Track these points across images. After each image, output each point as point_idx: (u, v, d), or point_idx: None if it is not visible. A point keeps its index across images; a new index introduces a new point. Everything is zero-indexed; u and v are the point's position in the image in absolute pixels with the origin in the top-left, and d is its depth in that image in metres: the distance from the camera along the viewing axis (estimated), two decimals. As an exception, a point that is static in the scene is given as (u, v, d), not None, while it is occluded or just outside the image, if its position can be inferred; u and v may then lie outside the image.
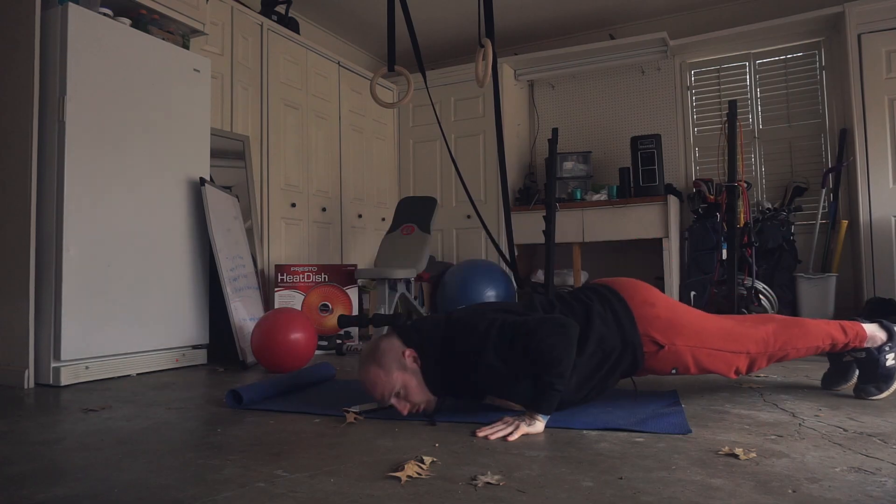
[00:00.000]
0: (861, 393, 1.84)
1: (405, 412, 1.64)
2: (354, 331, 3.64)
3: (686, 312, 1.79)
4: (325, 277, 3.61)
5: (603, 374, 1.69)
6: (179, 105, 2.89)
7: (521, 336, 1.56)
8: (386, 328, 3.03)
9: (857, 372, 1.91)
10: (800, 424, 1.55)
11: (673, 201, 4.44)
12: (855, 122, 4.02)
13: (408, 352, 1.64)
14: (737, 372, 1.77)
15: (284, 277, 3.58)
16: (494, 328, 1.60)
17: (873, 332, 1.84)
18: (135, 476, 1.22)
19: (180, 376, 2.56)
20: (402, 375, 1.63)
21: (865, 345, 1.83)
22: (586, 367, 1.65)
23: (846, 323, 1.84)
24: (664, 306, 1.76)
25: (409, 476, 1.17)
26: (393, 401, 1.64)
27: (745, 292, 3.36)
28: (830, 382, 1.99)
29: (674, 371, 1.75)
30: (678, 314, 1.76)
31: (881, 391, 1.82)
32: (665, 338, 1.70)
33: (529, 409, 1.53)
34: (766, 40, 4.63)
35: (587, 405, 1.77)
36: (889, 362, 1.81)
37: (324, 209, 4.38)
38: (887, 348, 1.82)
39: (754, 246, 3.38)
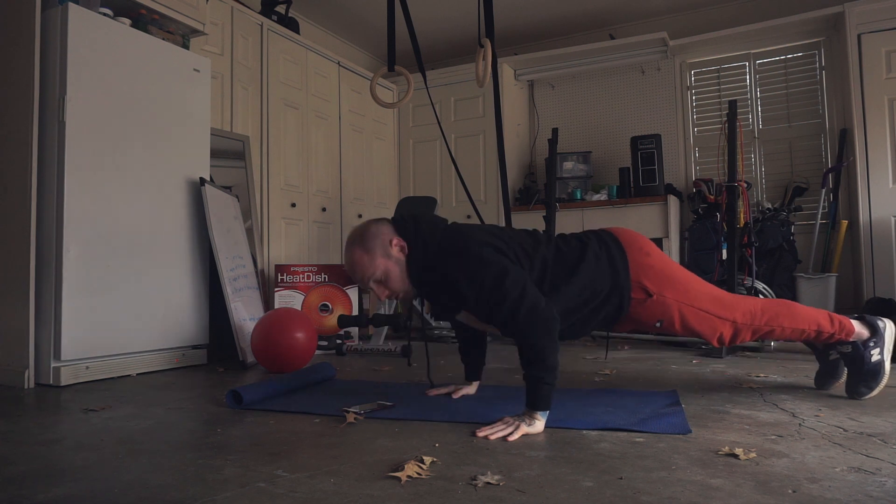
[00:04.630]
0: (853, 394, 1.83)
1: (383, 297, 1.68)
2: (354, 331, 3.64)
3: (680, 270, 1.82)
4: (325, 277, 3.61)
5: (588, 311, 1.72)
6: (179, 105, 2.89)
7: (507, 313, 1.55)
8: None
9: (846, 369, 1.90)
10: (800, 424, 1.55)
11: (673, 201, 4.44)
12: (855, 122, 4.02)
13: (395, 240, 1.66)
14: (720, 340, 1.78)
15: (284, 277, 3.58)
16: (489, 279, 1.58)
17: (859, 328, 1.84)
18: (135, 476, 1.22)
19: (180, 376, 2.56)
20: (386, 262, 1.65)
21: (852, 339, 1.83)
22: (574, 300, 1.68)
23: (835, 314, 1.85)
24: (659, 258, 1.80)
25: (409, 476, 1.17)
26: (372, 285, 1.67)
27: (744, 292, 3.36)
28: (822, 382, 1.99)
29: (658, 324, 1.76)
30: (672, 268, 1.79)
31: (871, 389, 1.82)
32: (655, 286, 1.73)
33: (527, 408, 1.53)
34: (766, 40, 4.63)
35: (587, 405, 1.78)
36: (874, 358, 1.81)
37: (324, 209, 4.39)
38: (871, 344, 1.82)
39: (754, 246, 3.37)
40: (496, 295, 1.57)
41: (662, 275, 1.75)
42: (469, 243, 1.65)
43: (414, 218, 1.73)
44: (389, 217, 1.72)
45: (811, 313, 1.82)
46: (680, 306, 1.73)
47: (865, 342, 1.82)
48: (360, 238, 1.68)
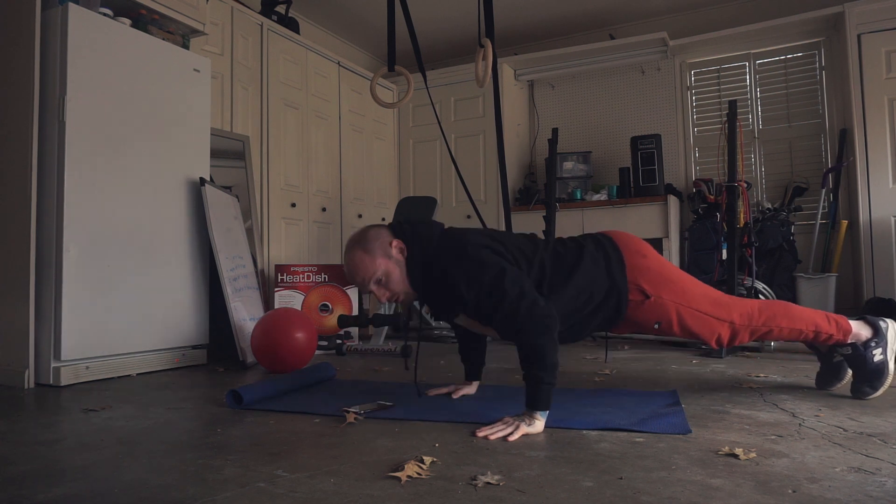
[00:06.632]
0: (857, 394, 1.83)
1: (383, 299, 1.69)
2: (354, 331, 3.64)
3: (677, 271, 1.82)
4: (325, 277, 3.61)
5: (587, 313, 1.73)
6: (179, 105, 2.89)
7: (506, 313, 1.56)
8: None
9: (849, 371, 1.91)
10: (800, 424, 1.55)
11: (673, 201, 4.44)
12: (855, 122, 4.02)
13: (395, 242, 1.68)
14: (718, 341, 1.78)
15: (284, 277, 3.58)
16: (487, 279, 1.59)
17: (858, 329, 1.84)
18: (135, 476, 1.22)
19: (180, 376, 2.56)
20: (386, 262, 1.66)
21: (849, 340, 1.82)
22: (572, 303, 1.68)
23: (832, 314, 1.85)
24: (656, 260, 1.80)
25: (409, 476, 1.17)
26: (373, 286, 1.67)
27: (744, 292, 3.36)
28: (823, 382, 1.99)
29: (656, 325, 1.77)
30: (669, 270, 1.80)
31: (875, 389, 1.81)
32: (652, 288, 1.73)
33: (527, 409, 1.53)
34: (766, 40, 4.63)
35: (587, 405, 1.78)
36: (877, 358, 1.80)
37: (324, 209, 4.39)
38: (873, 344, 1.81)
39: (754, 246, 3.37)
40: (495, 295, 1.58)
41: (659, 276, 1.76)
42: (467, 245, 1.66)
43: (410, 222, 1.74)
44: (388, 222, 1.73)
45: (808, 314, 1.82)
46: (678, 307, 1.74)
47: (866, 343, 1.82)
48: (361, 240, 1.70)
